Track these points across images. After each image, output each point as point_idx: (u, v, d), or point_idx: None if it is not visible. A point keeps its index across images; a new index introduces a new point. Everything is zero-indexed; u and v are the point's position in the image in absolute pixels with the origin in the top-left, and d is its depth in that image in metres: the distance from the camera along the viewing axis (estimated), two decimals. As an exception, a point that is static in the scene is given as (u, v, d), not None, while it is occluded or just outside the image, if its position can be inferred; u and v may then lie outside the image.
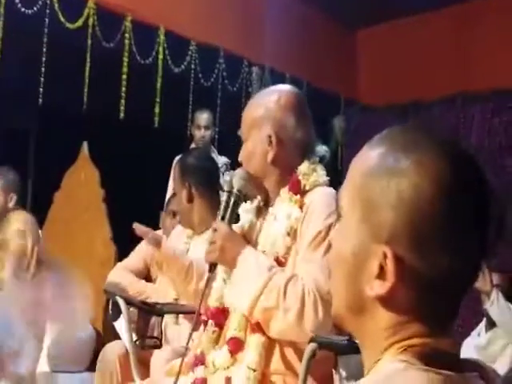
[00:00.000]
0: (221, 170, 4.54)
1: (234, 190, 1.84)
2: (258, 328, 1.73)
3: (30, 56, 4.22)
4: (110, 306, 2.64)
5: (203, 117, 4.69)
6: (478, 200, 0.78)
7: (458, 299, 0.80)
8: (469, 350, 3.41)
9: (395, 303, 0.77)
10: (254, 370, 1.69)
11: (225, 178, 1.91)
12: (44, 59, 4.24)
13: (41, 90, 4.22)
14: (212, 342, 1.83)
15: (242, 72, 5.54)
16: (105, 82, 4.55)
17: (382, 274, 0.76)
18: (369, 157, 0.82)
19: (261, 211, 1.93)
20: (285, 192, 1.84)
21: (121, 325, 2.49)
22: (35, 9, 4.20)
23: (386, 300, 0.77)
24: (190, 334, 1.83)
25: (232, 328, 1.78)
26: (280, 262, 1.76)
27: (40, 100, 4.23)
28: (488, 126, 6.20)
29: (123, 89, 4.66)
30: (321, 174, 1.87)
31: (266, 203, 1.93)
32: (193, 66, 5.18)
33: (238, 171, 1.90)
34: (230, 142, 5.16)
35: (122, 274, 2.98)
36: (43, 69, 4.24)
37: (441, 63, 6.35)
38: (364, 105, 6.91)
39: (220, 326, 1.84)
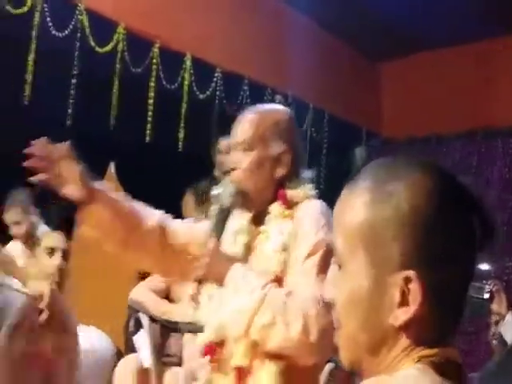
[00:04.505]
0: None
1: (224, 206, 1.83)
2: (267, 357, 1.70)
3: (60, 78, 4.31)
4: (132, 323, 2.66)
5: (224, 142, 4.76)
6: (465, 208, 0.81)
7: (460, 305, 0.82)
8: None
9: (420, 324, 0.79)
10: None
11: (213, 193, 1.87)
12: (74, 81, 4.33)
13: (69, 111, 4.30)
14: (212, 375, 1.79)
15: (266, 100, 5.61)
16: (132, 106, 4.63)
17: (403, 302, 0.79)
18: (355, 200, 0.84)
19: (251, 230, 1.89)
20: (275, 207, 1.82)
21: (139, 340, 2.51)
22: (66, 32, 4.30)
23: (410, 324, 0.79)
24: None
25: (235, 357, 1.74)
26: (279, 280, 1.73)
27: (68, 122, 4.31)
28: (510, 160, 6.20)
29: (149, 113, 4.74)
30: (308, 187, 1.86)
31: (256, 220, 1.89)
32: (217, 93, 5.26)
33: (228, 187, 1.86)
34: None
35: (144, 293, 3.02)
36: (72, 91, 4.33)
37: (462, 98, 6.37)
38: (385, 137, 6.94)
39: (216, 360, 1.80)
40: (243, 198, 1.84)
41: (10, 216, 3.55)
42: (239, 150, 1.86)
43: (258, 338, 1.67)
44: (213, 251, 1.72)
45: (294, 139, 1.89)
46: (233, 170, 1.86)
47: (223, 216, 1.83)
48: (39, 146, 1.73)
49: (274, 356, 1.69)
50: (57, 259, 2.79)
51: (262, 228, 1.85)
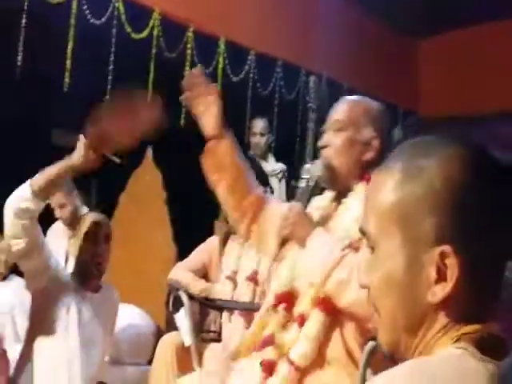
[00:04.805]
0: (278, 176, 4.65)
1: (313, 178, 1.95)
2: (325, 307, 1.76)
3: (98, 64, 4.41)
4: (171, 301, 2.76)
5: (258, 124, 4.83)
6: (500, 181, 0.80)
7: (498, 280, 0.81)
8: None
9: (458, 300, 0.78)
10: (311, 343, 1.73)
11: (305, 167, 2.02)
12: (111, 67, 4.43)
13: (108, 96, 4.41)
14: (281, 325, 1.85)
15: (300, 81, 5.63)
16: (167, 91, 4.71)
17: (440, 278, 0.77)
18: (387, 178, 0.82)
19: (332, 206, 2.00)
20: (360, 187, 1.91)
21: (180, 318, 2.60)
22: (103, 20, 4.39)
23: (448, 300, 0.78)
24: None
25: (301, 306, 1.82)
26: (356, 249, 1.78)
27: (107, 106, 4.41)
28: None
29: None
30: None
31: (338, 200, 1.99)
32: (251, 75, 5.30)
33: (318, 162, 1.99)
34: (286, 148, 5.24)
35: (182, 273, 3.11)
36: (110, 76, 4.43)
37: (504, 75, 6.23)
38: (423, 116, 6.85)
39: (289, 309, 1.86)
40: (331, 174, 1.95)
41: (56, 199, 3.67)
42: (332, 131, 1.98)
43: (332, 291, 1.74)
44: (298, 213, 1.85)
45: (384, 128, 1.99)
46: (324, 147, 1.98)
47: (309, 191, 1.94)
48: (196, 73, 2.02)
49: (331, 309, 1.75)
50: None
51: (343, 200, 1.96)
